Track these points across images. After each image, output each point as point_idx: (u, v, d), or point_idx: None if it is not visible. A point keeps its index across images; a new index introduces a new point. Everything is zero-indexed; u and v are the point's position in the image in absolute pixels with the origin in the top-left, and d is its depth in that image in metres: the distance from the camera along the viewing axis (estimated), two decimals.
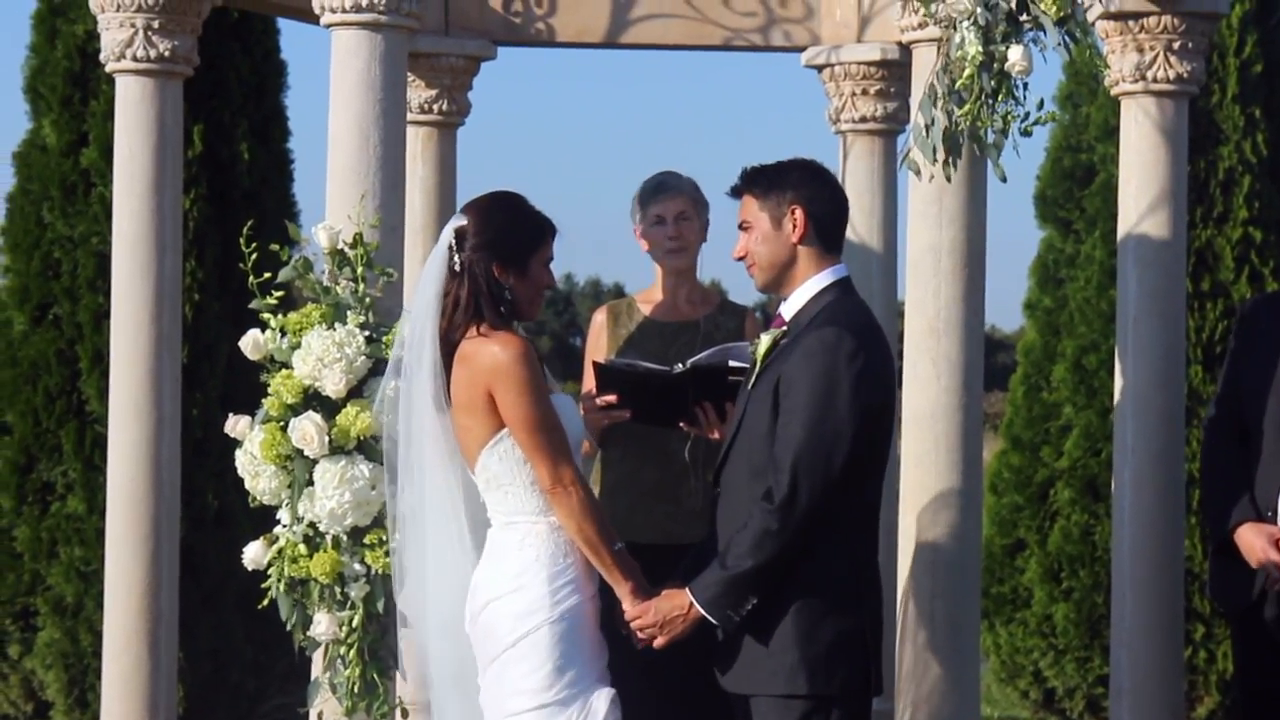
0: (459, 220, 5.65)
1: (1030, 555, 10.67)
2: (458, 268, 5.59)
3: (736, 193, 5.67)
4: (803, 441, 5.36)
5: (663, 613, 5.51)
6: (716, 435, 6.22)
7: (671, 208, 6.77)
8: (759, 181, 5.62)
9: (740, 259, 5.67)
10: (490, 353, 5.52)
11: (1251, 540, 6.30)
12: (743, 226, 5.66)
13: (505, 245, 5.60)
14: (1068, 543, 10.43)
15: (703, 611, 5.45)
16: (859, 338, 5.43)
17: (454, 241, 5.62)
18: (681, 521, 6.63)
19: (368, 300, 5.91)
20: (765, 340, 5.60)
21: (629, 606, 5.56)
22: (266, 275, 5.91)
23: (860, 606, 5.49)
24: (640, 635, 5.57)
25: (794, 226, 5.56)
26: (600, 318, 6.93)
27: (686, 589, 5.49)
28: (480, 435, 5.55)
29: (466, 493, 5.64)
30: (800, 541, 5.39)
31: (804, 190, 5.58)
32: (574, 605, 5.54)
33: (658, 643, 5.54)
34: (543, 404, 5.51)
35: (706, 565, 5.51)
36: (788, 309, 5.61)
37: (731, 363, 6.19)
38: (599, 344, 6.86)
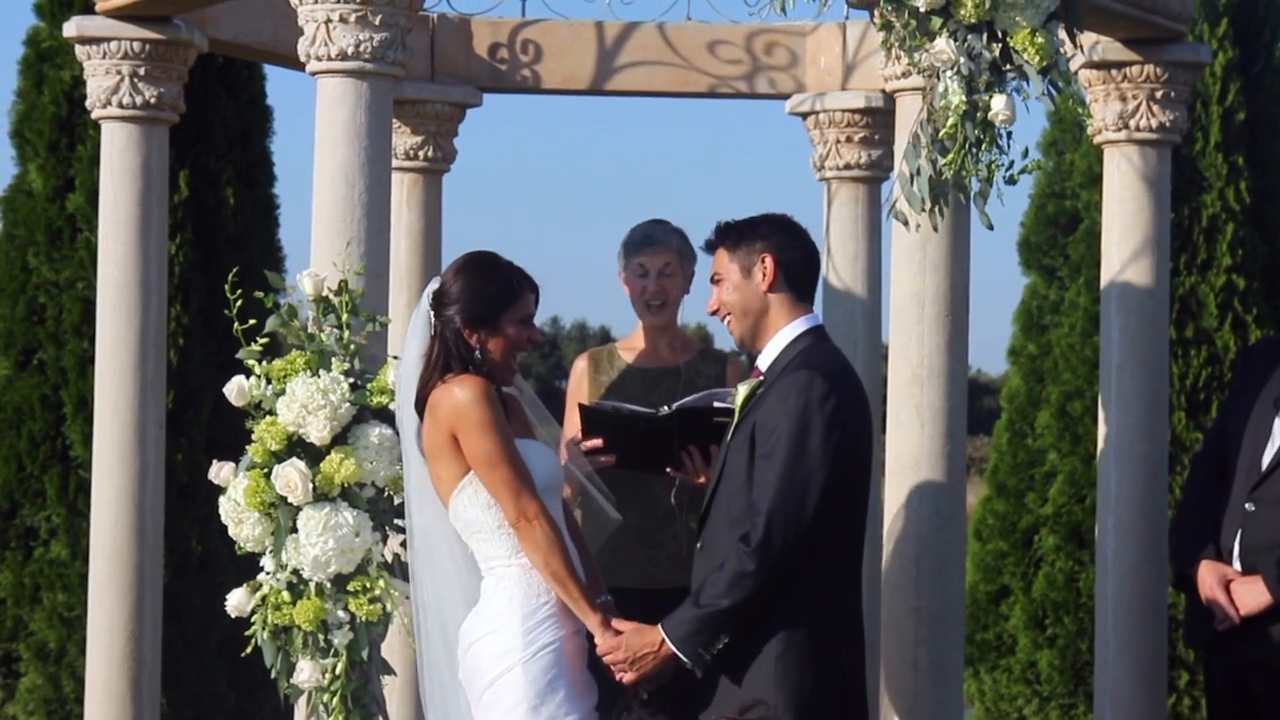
0: (435, 283, 5.72)
1: (1015, 602, 10.67)
2: (433, 330, 5.66)
3: (710, 247, 5.75)
4: (776, 484, 5.39)
5: (633, 648, 5.52)
6: (702, 480, 6.22)
7: (656, 262, 6.78)
8: (730, 235, 5.70)
9: (714, 313, 5.74)
10: (451, 395, 5.56)
11: (1204, 577, 6.36)
12: (714, 280, 5.74)
13: (473, 306, 5.64)
14: (1052, 589, 10.43)
15: (674, 649, 5.46)
16: (831, 380, 5.48)
17: (430, 304, 5.67)
18: (665, 566, 6.63)
19: (352, 347, 5.91)
20: (743, 390, 5.65)
21: (600, 639, 5.57)
22: (251, 322, 5.91)
23: (838, 654, 5.51)
24: (612, 668, 5.57)
25: (764, 275, 5.63)
26: (581, 364, 6.93)
27: (659, 626, 5.50)
28: (449, 481, 5.60)
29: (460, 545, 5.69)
30: (775, 583, 5.40)
31: (773, 240, 5.66)
32: (549, 643, 5.56)
33: (627, 678, 5.55)
34: (502, 439, 5.53)
35: None
36: (763, 359, 5.66)
37: (716, 404, 6.19)
38: (580, 390, 6.87)
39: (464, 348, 5.63)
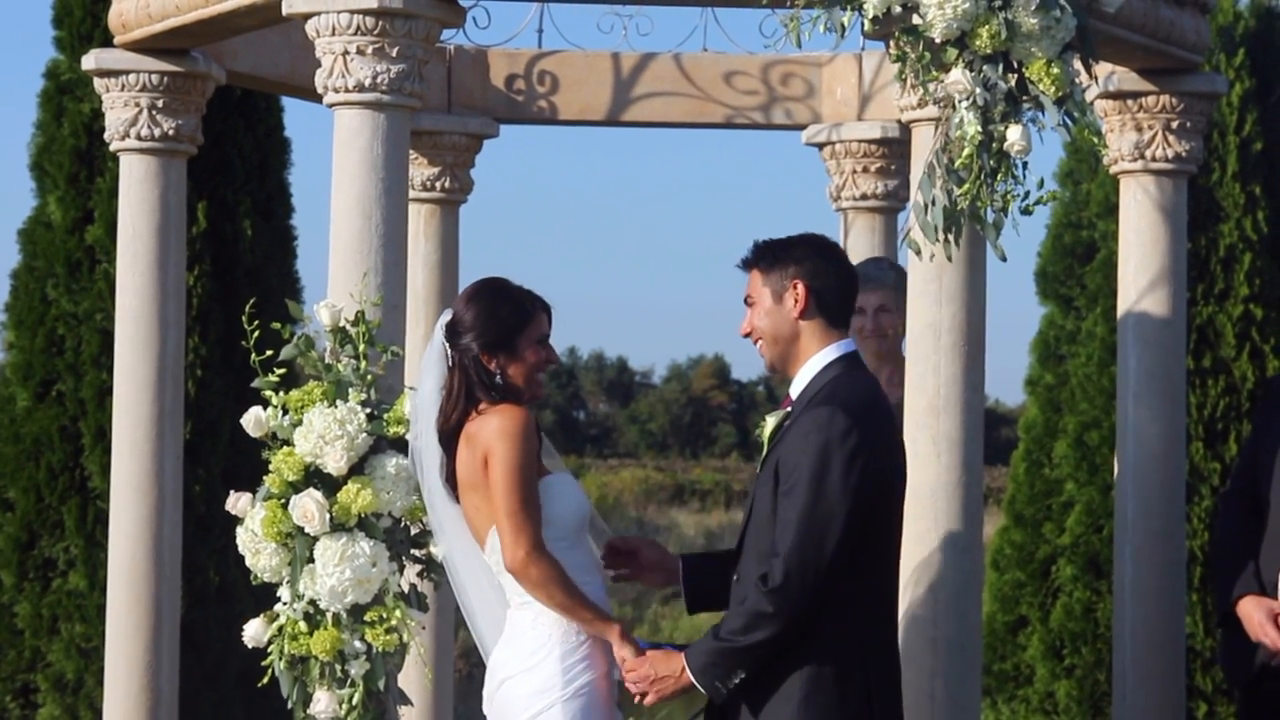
0: (446, 314, 5.73)
1: (1032, 632, 10.64)
2: (450, 362, 5.66)
3: (746, 266, 5.64)
4: (796, 524, 5.32)
5: (657, 670, 5.50)
6: None
7: (872, 300, 6.93)
8: (765, 256, 5.60)
9: (746, 335, 5.65)
10: (488, 426, 5.56)
11: (1250, 613, 6.31)
12: (748, 302, 5.64)
13: (489, 331, 5.65)
14: (1070, 619, 10.40)
15: (692, 679, 5.45)
16: (853, 415, 5.38)
17: (444, 336, 5.68)
18: None
19: (369, 378, 5.93)
20: (770, 423, 5.58)
21: (621, 652, 5.54)
22: (269, 353, 5.92)
23: (868, 697, 5.42)
24: (632, 687, 5.56)
25: (795, 301, 5.54)
26: None
27: (682, 654, 5.49)
28: (487, 514, 5.59)
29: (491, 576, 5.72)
30: (797, 623, 5.35)
31: (807, 265, 5.55)
32: (587, 682, 5.56)
33: (648, 700, 5.53)
34: (522, 482, 5.52)
35: None
36: (794, 388, 5.58)
37: None
38: None
39: (484, 374, 5.63)
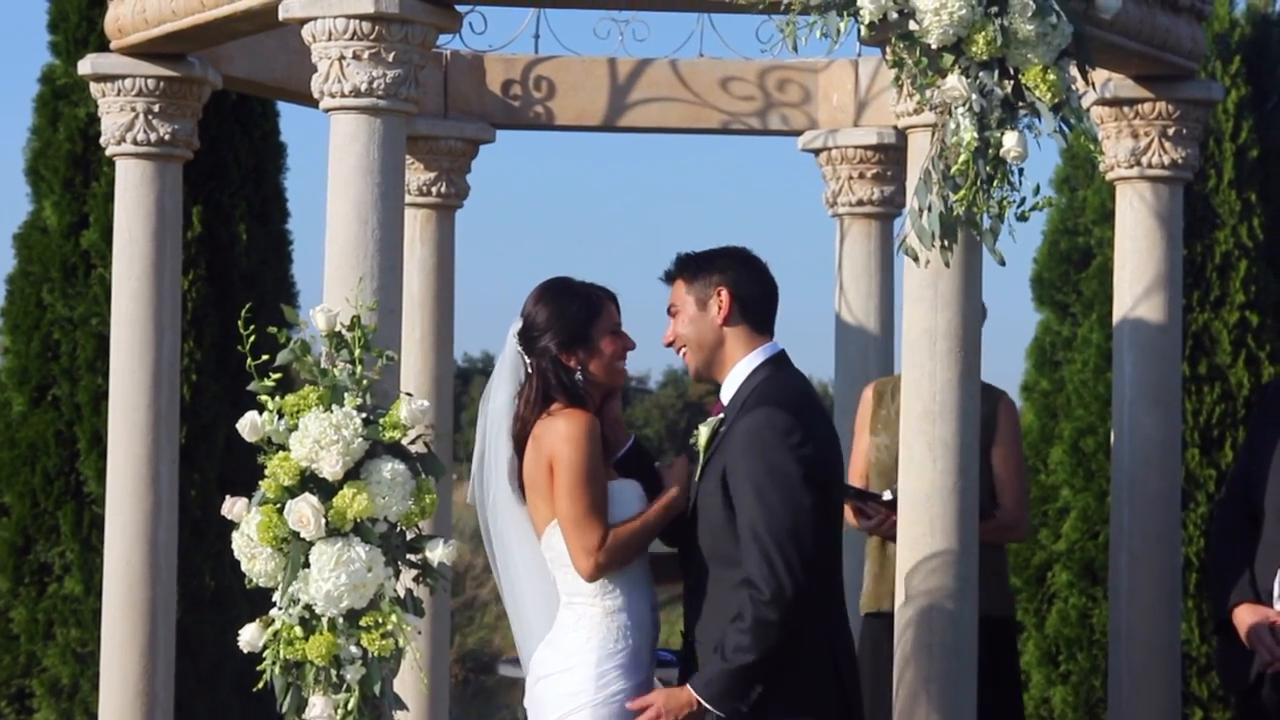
0: (516, 322, 5.77)
1: (1028, 638, 10.64)
2: (530, 369, 5.72)
3: (668, 279, 5.77)
4: (771, 529, 5.37)
5: (669, 709, 5.49)
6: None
7: None
8: (689, 267, 5.72)
9: (669, 344, 5.76)
10: (554, 430, 5.62)
11: (1246, 620, 6.31)
12: (671, 311, 5.75)
13: (565, 329, 5.71)
14: (1065, 625, 10.41)
15: (709, 707, 5.43)
16: (790, 411, 5.47)
17: (518, 345, 5.73)
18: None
19: (365, 382, 5.92)
20: (704, 431, 5.66)
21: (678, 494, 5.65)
22: (264, 357, 5.92)
23: (839, 677, 5.53)
24: None
25: (719, 308, 5.64)
26: (868, 394, 7.34)
27: (688, 685, 5.48)
28: (545, 513, 5.66)
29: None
30: (796, 624, 5.40)
31: (731, 274, 5.67)
32: (619, 690, 5.59)
33: None
34: (589, 488, 5.57)
35: (694, 657, 5.56)
36: (724, 394, 5.67)
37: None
38: (864, 419, 7.27)
39: (565, 374, 5.69)
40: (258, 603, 6.17)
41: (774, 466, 5.40)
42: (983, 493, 6.91)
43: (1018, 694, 7.52)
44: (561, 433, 5.60)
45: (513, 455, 5.73)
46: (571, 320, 5.72)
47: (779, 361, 5.67)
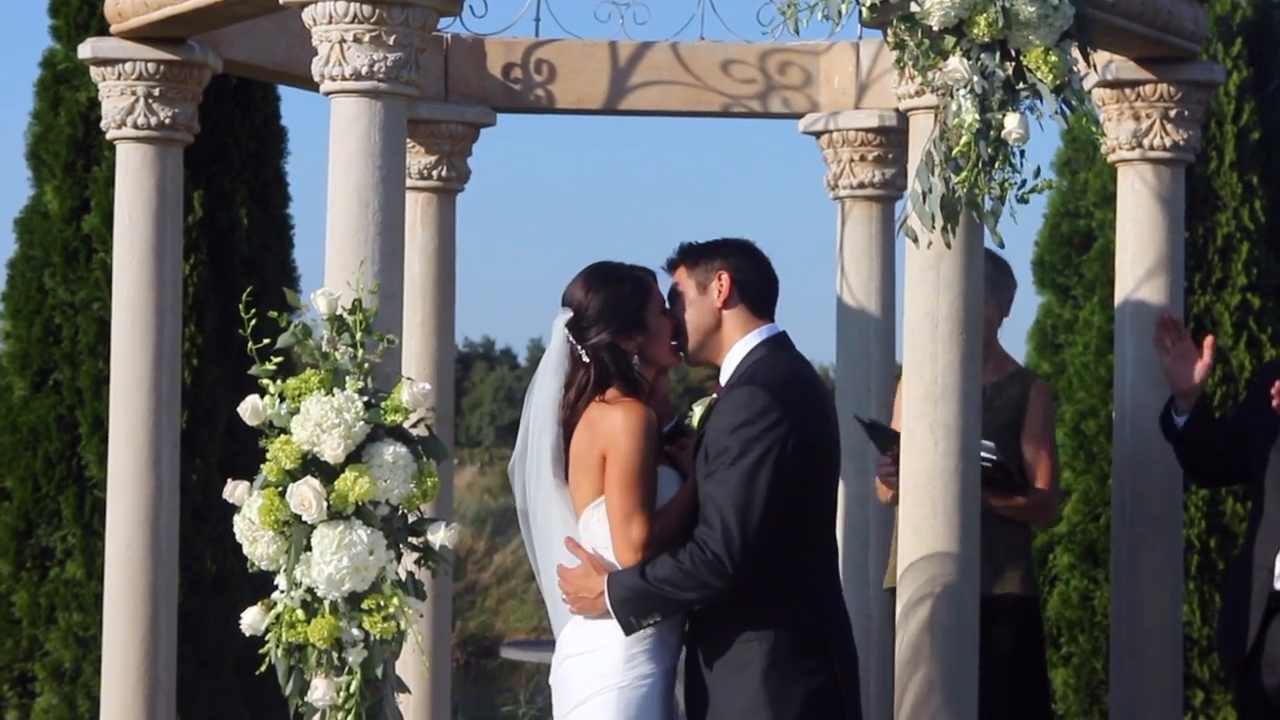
0: (564, 313, 5.76)
1: None
2: (585, 357, 5.71)
3: (671, 266, 5.83)
4: (724, 500, 5.44)
5: (577, 588, 5.63)
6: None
7: None
8: (690, 254, 5.80)
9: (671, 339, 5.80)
10: (612, 420, 5.62)
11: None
12: (672, 297, 5.81)
13: (619, 316, 5.72)
14: (1067, 608, 10.41)
15: (608, 605, 5.55)
16: (771, 391, 5.51)
17: (568, 334, 5.73)
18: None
19: (366, 366, 5.92)
20: (698, 410, 5.76)
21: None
22: (266, 341, 5.92)
23: (828, 658, 5.56)
24: (564, 590, 5.69)
25: (719, 291, 5.71)
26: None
27: (605, 577, 5.58)
28: (587, 494, 5.67)
29: None
30: (727, 594, 5.47)
31: (732, 259, 5.75)
32: (648, 674, 5.61)
33: (572, 610, 5.67)
34: (642, 480, 5.58)
35: (691, 658, 5.65)
36: (723, 375, 5.73)
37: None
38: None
39: (622, 359, 5.70)
40: (259, 586, 6.18)
41: (743, 443, 5.45)
42: (1017, 473, 6.96)
43: (1043, 674, 7.48)
44: (620, 424, 5.60)
45: (558, 436, 5.73)
46: (624, 305, 5.73)
47: (777, 342, 5.71)
